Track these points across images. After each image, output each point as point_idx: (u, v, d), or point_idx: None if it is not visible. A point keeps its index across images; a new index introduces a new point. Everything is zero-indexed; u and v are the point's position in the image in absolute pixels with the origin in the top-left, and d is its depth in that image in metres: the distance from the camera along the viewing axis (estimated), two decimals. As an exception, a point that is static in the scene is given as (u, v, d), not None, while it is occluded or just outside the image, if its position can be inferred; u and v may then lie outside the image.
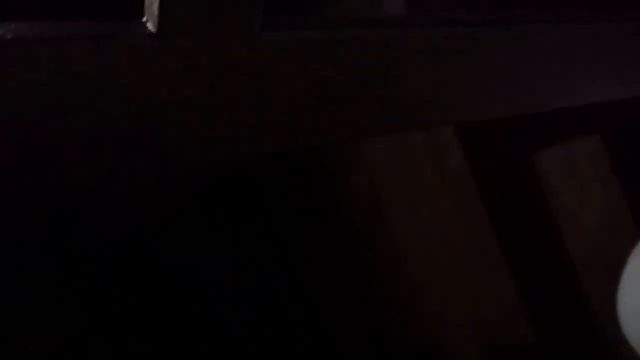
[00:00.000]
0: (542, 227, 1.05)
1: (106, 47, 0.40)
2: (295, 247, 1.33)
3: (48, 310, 1.23)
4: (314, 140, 0.50)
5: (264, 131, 0.47)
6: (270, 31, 0.46)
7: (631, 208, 0.95)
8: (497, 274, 1.11)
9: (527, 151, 1.01)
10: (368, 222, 1.23)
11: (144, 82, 0.43)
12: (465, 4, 0.96)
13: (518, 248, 1.09)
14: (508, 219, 1.08)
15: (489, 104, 0.57)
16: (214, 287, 1.33)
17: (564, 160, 0.99)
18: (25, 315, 1.21)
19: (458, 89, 0.56)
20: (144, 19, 0.41)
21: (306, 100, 0.49)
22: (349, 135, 0.54)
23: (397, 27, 0.54)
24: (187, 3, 0.41)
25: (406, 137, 1.14)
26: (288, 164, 1.31)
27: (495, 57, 0.56)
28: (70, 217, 1.24)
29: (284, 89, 0.47)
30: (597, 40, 0.62)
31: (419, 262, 1.20)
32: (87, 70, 0.41)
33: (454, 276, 1.17)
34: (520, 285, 1.10)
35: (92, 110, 0.43)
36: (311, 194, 1.30)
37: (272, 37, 0.46)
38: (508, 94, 0.59)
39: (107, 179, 0.48)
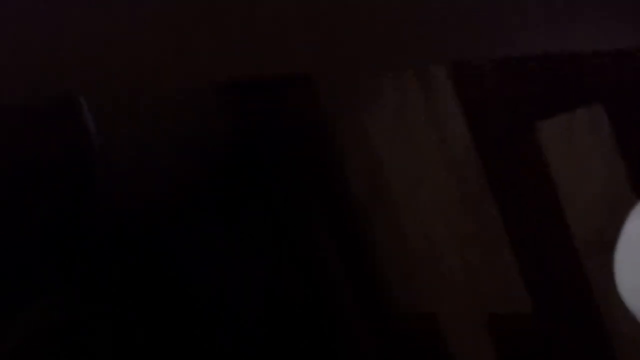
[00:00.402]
0: (541, 199, 1.05)
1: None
2: (294, 219, 1.33)
3: (44, 308, 1.23)
4: (306, 68, 0.50)
5: (257, 54, 0.47)
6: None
7: (631, 179, 0.95)
8: (496, 247, 1.11)
9: (528, 122, 1.02)
10: (369, 195, 1.23)
11: None
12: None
13: (517, 220, 1.09)
14: (508, 192, 1.08)
15: (479, 44, 0.58)
16: (211, 265, 1.33)
17: (565, 131, 0.99)
18: (22, 311, 1.21)
19: (450, 28, 0.56)
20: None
21: (302, 27, 0.48)
22: (342, 68, 0.54)
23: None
24: None
25: (407, 108, 1.14)
26: (289, 140, 1.31)
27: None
28: (70, 214, 1.24)
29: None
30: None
31: (418, 234, 1.20)
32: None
33: (452, 249, 1.17)
34: (519, 259, 1.10)
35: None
36: (311, 168, 1.30)
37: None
38: (499, 34, 0.59)
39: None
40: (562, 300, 1.09)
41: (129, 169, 1.25)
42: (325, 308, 1.35)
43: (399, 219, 1.21)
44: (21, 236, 1.21)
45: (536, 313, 1.12)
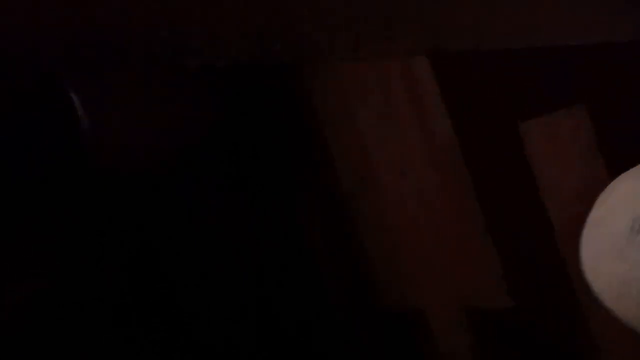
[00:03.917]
0: (523, 197, 1.05)
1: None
2: (280, 208, 1.33)
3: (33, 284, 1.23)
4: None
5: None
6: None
7: (611, 178, 0.96)
8: (478, 241, 1.12)
9: (512, 121, 1.02)
10: (355, 186, 1.24)
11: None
12: None
13: (499, 216, 1.10)
14: (491, 188, 1.09)
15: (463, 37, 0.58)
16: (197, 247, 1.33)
17: (548, 131, 1.00)
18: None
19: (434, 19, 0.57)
20: None
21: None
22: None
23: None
24: None
25: (394, 107, 1.15)
26: (279, 131, 1.31)
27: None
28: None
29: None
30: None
31: (402, 226, 1.20)
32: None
33: (435, 242, 1.17)
34: (500, 253, 1.10)
35: None
36: (301, 156, 1.30)
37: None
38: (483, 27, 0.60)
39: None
40: (543, 294, 1.09)
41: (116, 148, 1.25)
42: (312, 297, 1.35)
43: (384, 207, 1.21)
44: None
45: (517, 307, 1.12)
